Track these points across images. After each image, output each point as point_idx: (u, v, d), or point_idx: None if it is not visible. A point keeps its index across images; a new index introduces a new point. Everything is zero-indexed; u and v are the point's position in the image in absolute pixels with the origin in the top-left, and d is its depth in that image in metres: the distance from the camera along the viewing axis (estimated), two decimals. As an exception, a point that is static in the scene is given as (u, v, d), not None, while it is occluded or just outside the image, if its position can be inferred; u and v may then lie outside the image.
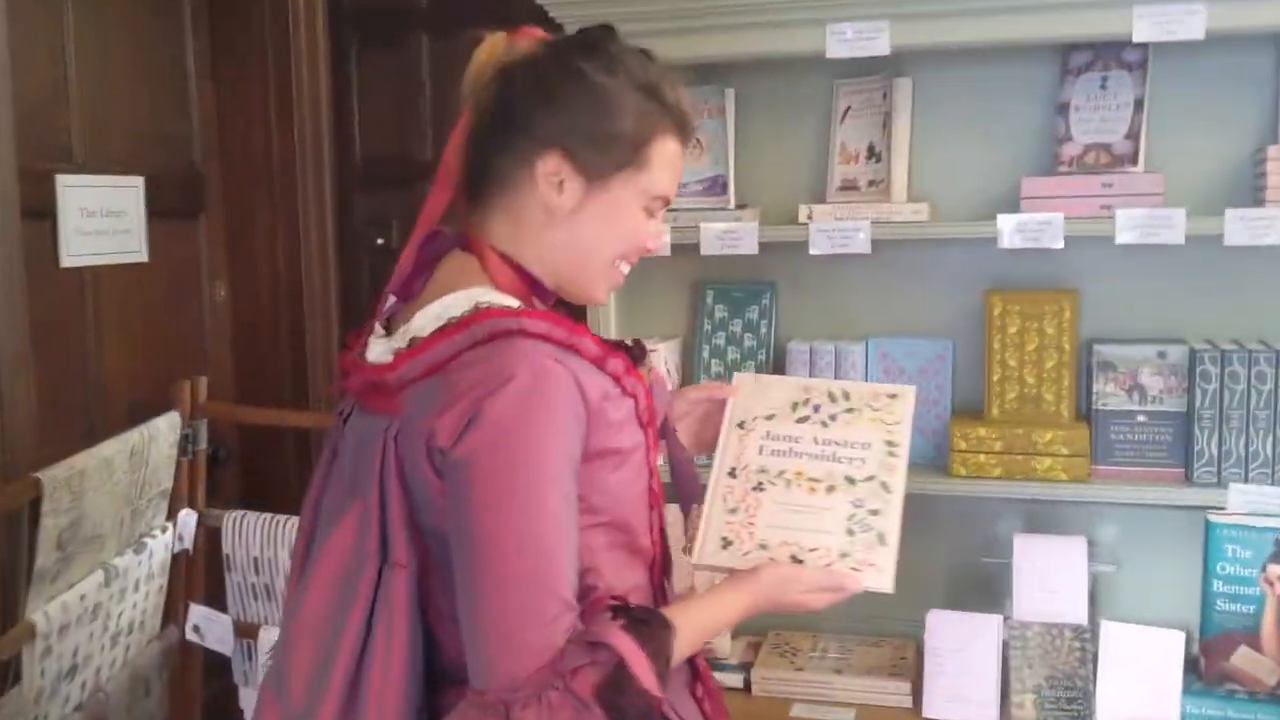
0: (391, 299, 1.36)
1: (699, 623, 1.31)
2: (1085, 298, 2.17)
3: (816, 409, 1.52)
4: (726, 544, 1.43)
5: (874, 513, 1.41)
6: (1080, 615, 2.06)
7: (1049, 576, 2.08)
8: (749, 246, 2.16)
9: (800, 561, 1.38)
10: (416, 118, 3.21)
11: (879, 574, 1.38)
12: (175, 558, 2.30)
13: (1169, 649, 1.98)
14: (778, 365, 2.28)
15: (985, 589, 2.19)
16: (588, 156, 1.29)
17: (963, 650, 2.05)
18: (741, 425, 1.53)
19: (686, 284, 2.39)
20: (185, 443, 2.31)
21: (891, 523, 1.41)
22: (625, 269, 1.38)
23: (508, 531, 1.16)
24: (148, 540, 2.17)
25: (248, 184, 3.24)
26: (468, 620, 1.17)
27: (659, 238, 1.39)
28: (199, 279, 3.15)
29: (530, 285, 1.33)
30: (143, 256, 2.86)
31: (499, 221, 1.33)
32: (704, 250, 2.16)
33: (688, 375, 2.36)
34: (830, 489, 1.44)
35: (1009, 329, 2.13)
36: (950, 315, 2.25)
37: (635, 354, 1.35)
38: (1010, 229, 2.02)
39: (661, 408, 1.36)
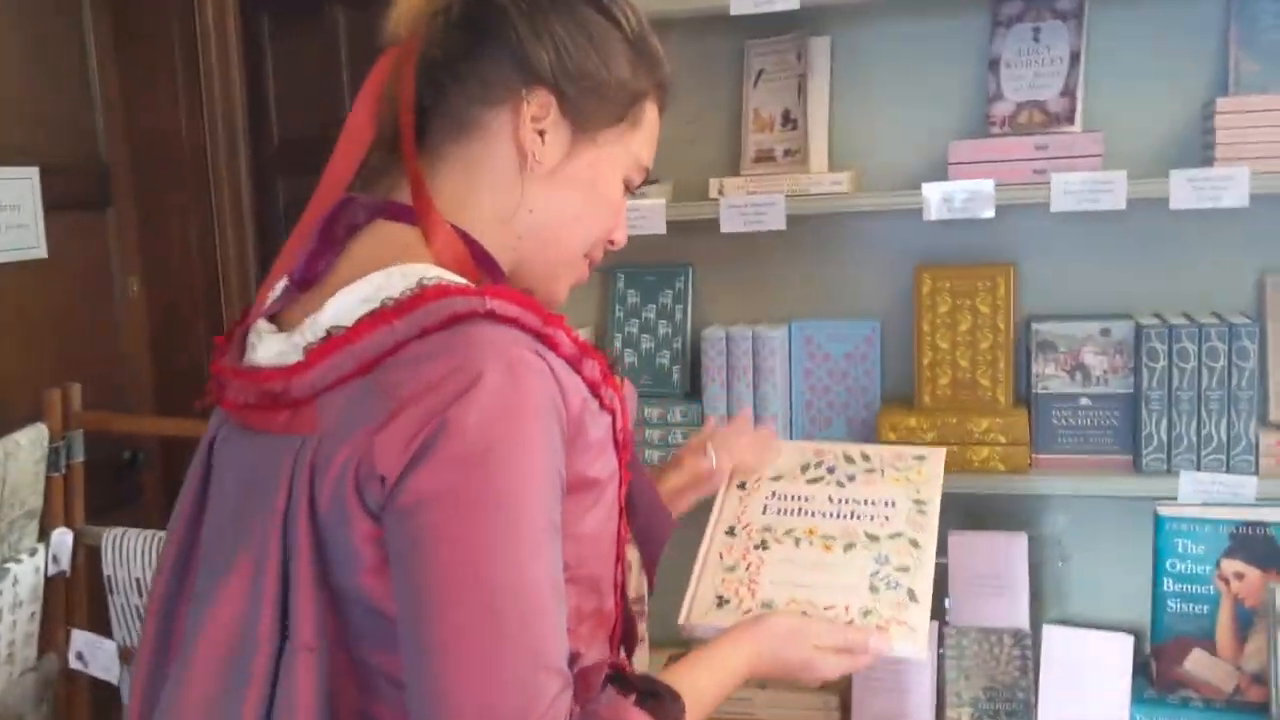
0: (280, 285, 1.08)
1: (701, 689, 1.08)
2: (1022, 272, 1.99)
3: (831, 470, 1.38)
4: (722, 602, 1.25)
5: (902, 569, 1.24)
6: (1021, 619, 1.89)
7: (987, 577, 1.90)
8: (655, 226, 1.97)
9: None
10: (336, 95, 3.03)
11: (911, 634, 1.20)
12: (52, 581, 2.13)
13: (1117, 654, 1.81)
14: (694, 354, 2.09)
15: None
16: (581, 101, 1.04)
17: (895, 658, 1.88)
18: (743, 486, 1.38)
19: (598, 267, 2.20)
20: (55, 456, 2.13)
21: (923, 581, 1.24)
22: (591, 262, 1.14)
23: (489, 588, 0.88)
24: (11, 565, 2.00)
25: (158, 172, 3.06)
26: (433, 713, 0.88)
27: (625, 229, 1.16)
28: (108, 275, 2.97)
29: (483, 266, 1.04)
30: (41, 253, 2.68)
31: (450, 179, 1.05)
32: (607, 231, 1.98)
33: (601, 366, 2.18)
34: (849, 546, 1.28)
35: (939, 308, 1.95)
36: (878, 294, 2.07)
37: (612, 359, 1.12)
38: (936, 199, 1.84)
39: (632, 428, 1.13)
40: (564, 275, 1.12)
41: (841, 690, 1.94)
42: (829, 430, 2.07)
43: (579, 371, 1.00)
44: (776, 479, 1.38)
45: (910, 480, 1.34)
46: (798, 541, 1.29)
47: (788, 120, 2.02)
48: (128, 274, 3.02)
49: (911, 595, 1.21)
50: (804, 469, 1.39)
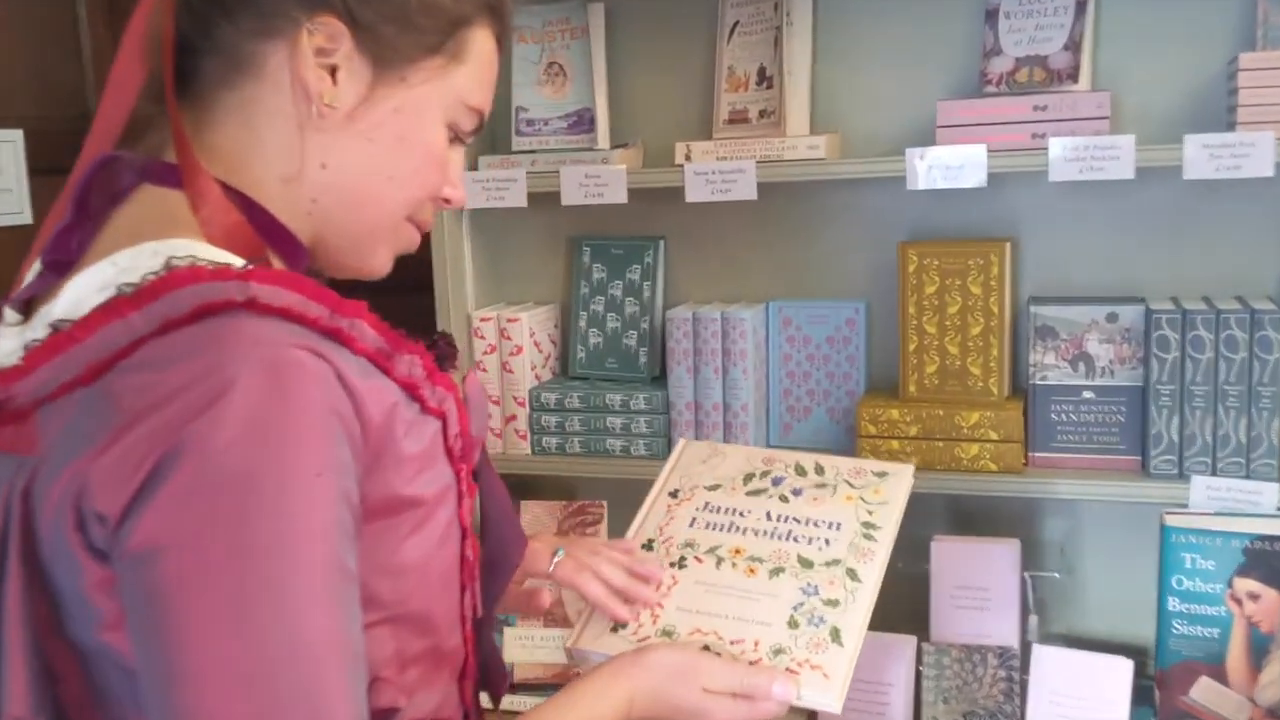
0: (38, 266, 0.88)
1: None
2: (1018, 249, 1.79)
3: (776, 482, 1.19)
4: (619, 626, 1.09)
5: (831, 604, 1.06)
6: (1009, 636, 1.69)
7: (972, 589, 1.71)
8: (616, 194, 1.79)
9: (714, 655, 1.03)
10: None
11: (824, 682, 1.02)
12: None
13: (1115, 679, 1.61)
14: (664, 335, 1.91)
15: (897, 604, 1.81)
16: (381, 29, 0.86)
17: (867, 679, 1.70)
18: (674, 494, 1.21)
19: (561, 238, 2.03)
20: None
21: (853, 620, 1.05)
22: (419, 225, 0.95)
23: (253, 653, 0.70)
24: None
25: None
26: None
27: (461, 184, 0.97)
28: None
29: (271, 238, 0.87)
30: (25, 218, 2.57)
31: (225, 132, 0.87)
32: (564, 199, 1.80)
33: (566, 350, 2.01)
34: (776, 572, 1.09)
35: (926, 288, 1.75)
36: (863, 272, 1.88)
37: (442, 351, 0.94)
38: (921, 166, 1.64)
39: (481, 432, 0.96)
40: (381, 244, 0.93)
41: (807, 711, 1.76)
42: (808, 421, 1.89)
43: (388, 371, 0.83)
44: (714, 488, 1.21)
45: (865, 500, 1.15)
46: (719, 562, 1.12)
47: (763, 78, 1.83)
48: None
49: (835, 635, 1.03)
50: (747, 479, 1.21)
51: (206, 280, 0.75)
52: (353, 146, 0.87)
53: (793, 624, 1.04)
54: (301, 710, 0.71)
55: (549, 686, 1.79)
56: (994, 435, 1.71)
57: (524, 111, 1.92)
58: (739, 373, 1.82)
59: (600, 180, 1.80)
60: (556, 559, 1.19)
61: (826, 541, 1.11)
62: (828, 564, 1.09)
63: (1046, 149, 1.58)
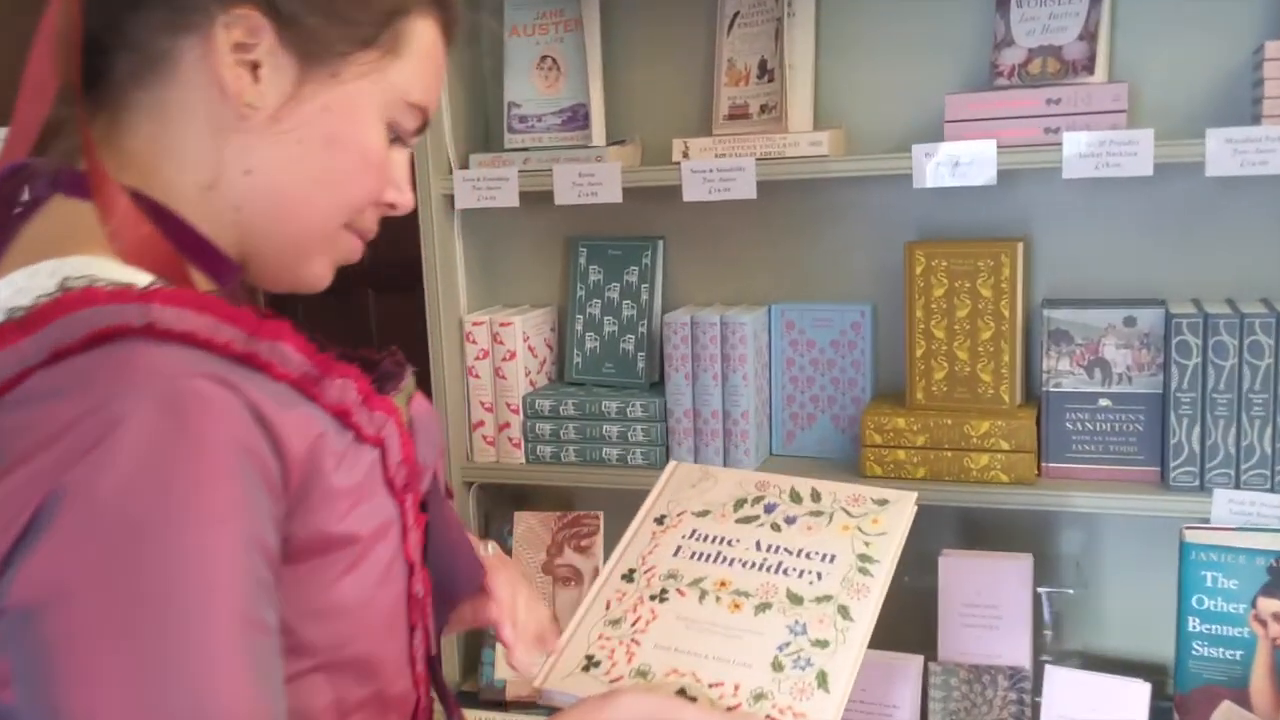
0: None
1: None
2: (1031, 249, 1.71)
3: (769, 509, 1.10)
4: (591, 664, 1.01)
5: (819, 644, 0.97)
6: (1021, 656, 1.61)
7: (982, 607, 1.63)
8: (611, 194, 1.72)
9: (690, 699, 0.95)
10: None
11: None
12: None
13: (1131, 703, 1.53)
14: (662, 340, 1.84)
15: (903, 621, 1.73)
16: (306, 21, 0.79)
17: (870, 701, 1.63)
18: (660, 520, 1.12)
19: (559, 239, 1.96)
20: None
21: (843, 664, 0.96)
22: (360, 233, 0.87)
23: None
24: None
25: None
26: None
27: (407, 186, 0.89)
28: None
29: (192, 251, 0.80)
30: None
31: (139, 136, 0.80)
32: (558, 199, 1.73)
33: (563, 355, 1.95)
34: (763, 608, 1.01)
35: (934, 291, 1.67)
36: (869, 274, 1.80)
37: (386, 371, 0.88)
38: (929, 163, 1.56)
39: (429, 459, 0.89)
40: (316, 254, 0.86)
41: (810, 730, 1.68)
42: (812, 429, 1.82)
43: (315, 398, 0.76)
44: (702, 514, 1.12)
45: (862, 530, 1.07)
46: (703, 595, 1.04)
47: (764, 71, 1.75)
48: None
49: (822, 680, 0.95)
50: (738, 505, 1.12)
51: (102, 303, 0.69)
52: (278, 150, 0.80)
53: (777, 666, 0.96)
54: None
55: (543, 708, 1.72)
56: (1005, 445, 1.63)
57: (516, 107, 1.86)
58: (739, 379, 1.74)
59: (594, 179, 1.73)
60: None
61: (819, 575, 1.03)
62: (818, 600, 1.01)
63: (1060, 144, 1.50)
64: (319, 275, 0.87)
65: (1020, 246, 1.65)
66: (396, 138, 0.86)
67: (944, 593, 1.65)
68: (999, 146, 1.54)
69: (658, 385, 1.85)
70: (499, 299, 1.98)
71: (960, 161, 1.55)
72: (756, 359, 1.77)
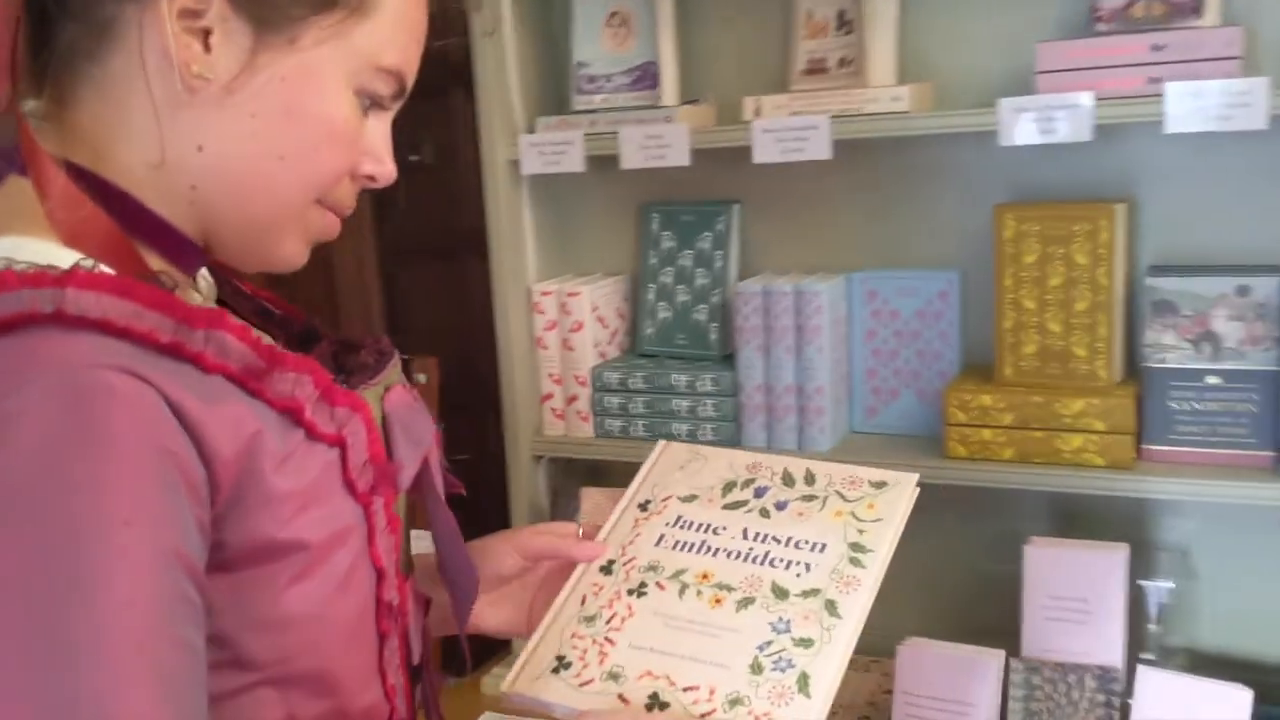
0: None
1: None
2: (1135, 211, 1.56)
3: (760, 493, 1.01)
4: (562, 665, 0.94)
5: (803, 644, 0.88)
6: (1111, 655, 1.48)
7: (1071, 600, 1.51)
8: (679, 156, 1.63)
9: (662, 707, 0.87)
10: None
11: None
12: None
13: (1230, 712, 1.39)
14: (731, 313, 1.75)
15: (985, 615, 1.63)
16: None
17: (944, 698, 1.52)
18: (644, 507, 1.04)
19: (632, 205, 1.88)
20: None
21: (827, 665, 0.87)
22: (335, 208, 0.81)
23: None
24: None
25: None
26: None
27: (388, 156, 0.82)
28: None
29: (146, 233, 0.75)
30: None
31: (87, 110, 0.75)
32: (624, 163, 1.65)
33: (635, 326, 1.87)
34: (745, 603, 0.92)
35: (1024, 258, 1.54)
36: (957, 238, 1.68)
37: (361, 363, 0.82)
38: (1016, 118, 1.44)
39: (409, 457, 0.82)
40: (285, 234, 0.79)
41: (884, 725, 1.59)
42: (896, 404, 1.71)
43: (257, 392, 0.70)
44: (689, 499, 1.03)
45: (857, 517, 0.97)
46: (684, 590, 0.95)
47: (843, 23, 1.64)
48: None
49: (803, 684, 0.85)
50: (727, 488, 1.03)
51: (14, 288, 0.64)
52: (233, 124, 0.74)
53: (756, 668, 0.87)
54: None
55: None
56: (1100, 426, 1.49)
57: (584, 67, 1.78)
58: (814, 352, 1.64)
59: (662, 141, 1.64)
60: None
61: (807, 567, 0.93)
62: (804, 594, 0.91)
63: (1165, 96, 1.36)
64: (290, 255, 0.81)
65: (1120, 209, 1.51)
66: (373, 104, 0.79)
67: (1029, 584, 1.52)
68: (1097, 99, 1.40)
69: (731, 358, 1.76)
70: (571, 267, 1.91)
71: (1053, 116, 1.42)
72: (834, 330, 1.66)
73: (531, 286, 1.81)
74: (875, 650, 1.56)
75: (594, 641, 0.94)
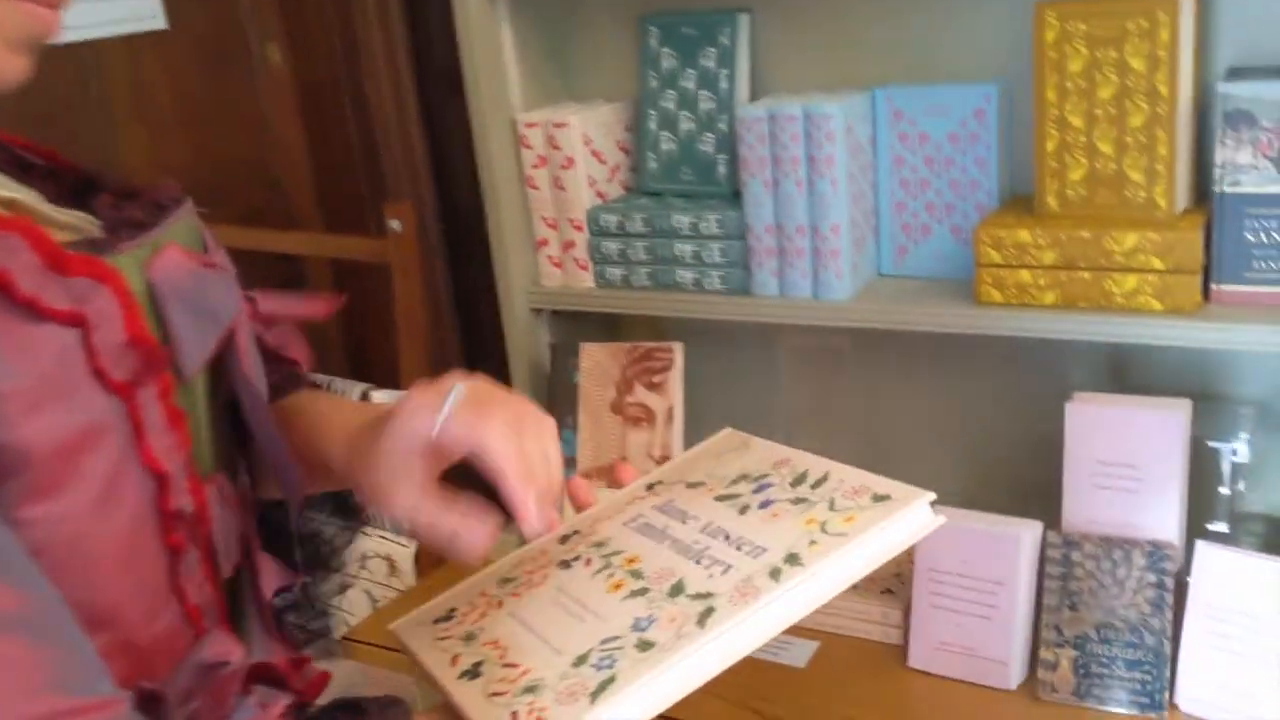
0: None
1: None
2: (1209, 3, 1.29)
3: (760, 489, 0.86)
4: (445, 618, 0.85)
5: (643, 647, 0.73)
6: (1166, 529, 1.29)
7: (1119, 466, 1.31)
8: (667, -41, 1.40)
9: (474, 678, 0.76)
10: None
11: None
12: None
13: (1305, 597, 1.20)
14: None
15: (1020, 482, 1.43)
16: None
17: (972, 575, 1.35)
18: (651, 487, 0.92)
19: (629, 18, 1.65)
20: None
21: (639, 675, 0.70)
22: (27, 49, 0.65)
23: None
24: None
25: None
26: None
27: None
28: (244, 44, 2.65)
29: None
30: (160, 23, 2.40)
31: None
32: (606, -29, 1.43)
33: (637, 157, 1.66)
34: (638, 593, 0.78)
35: (1069, 65, 1.29)
36: (995, 45, 1.42)
37: (124, 216, 0.69)
38: (1056, -108, 1.17)
39: (193, 334, 0.69)
40: None
41: (905, 603, 1.43)
42: (927, 243, 1.49)
43: None
44: (694, 486, 0.89)
45: (825, 528, 0.77)
46: (605, 567, 0.80)
47: None
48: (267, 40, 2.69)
49: (600, 689, 0.68)
50: (736, 481, 0.87)
51: None
52: None
53: (580, 660, 0.71)
54: None
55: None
56: (1159, 264, 1.26)
57: None
58: (827, 185, 1.43)
59: (649, -57, 1.41)
60: (449, 404, 0.76)
61: (725, 568, 0.75)
62: (695, 596, 0.74)
63: None
64: (8, 68, 0.64)
65: (1184, 2, 1.24)
66: None
67: (1071, 447, 1.33)
68: None
69: (740, 195, 1.55)
70: (567, 94, 1.71)
71: (1101, -113, 1.15)
72: (852, 159, 1.44)
73: (516, 117, 1.61)
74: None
75: (490, 602, 0.83)
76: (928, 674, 1.38)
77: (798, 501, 0.82)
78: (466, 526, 0.76)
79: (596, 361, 1.63)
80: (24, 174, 0.74)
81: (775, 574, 0.73)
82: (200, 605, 0.71)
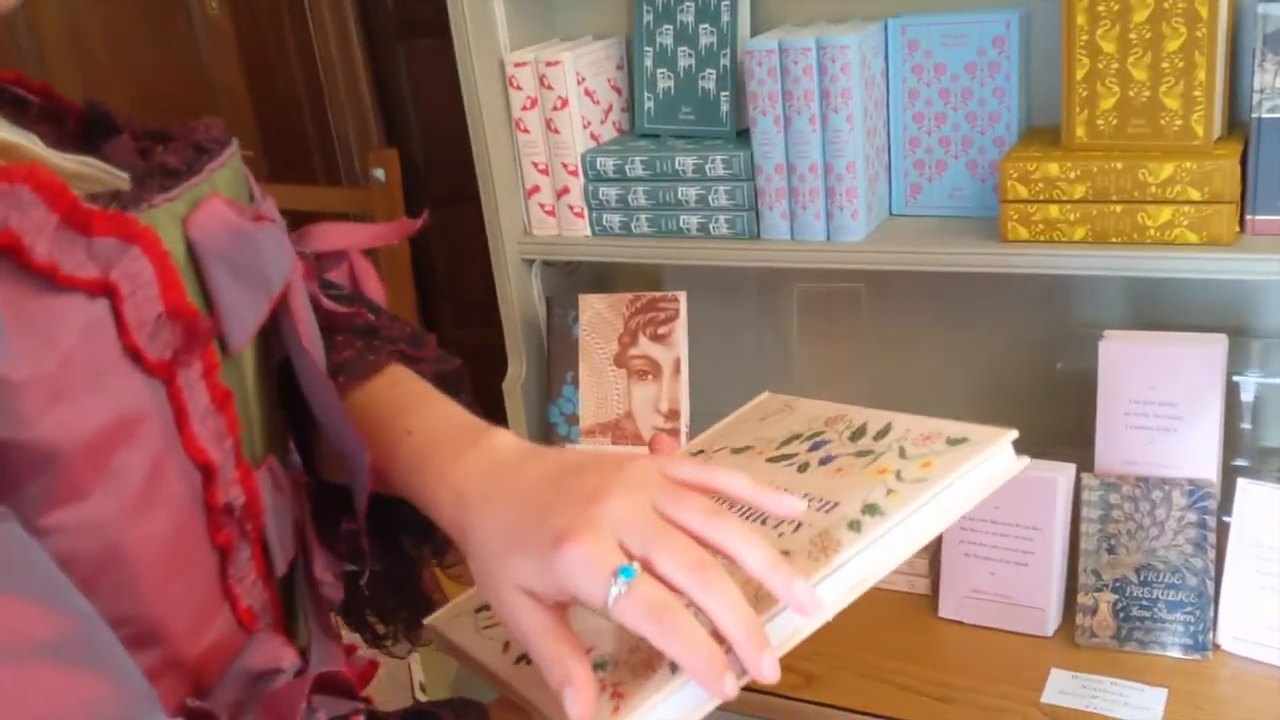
0: None
1: None
2: (1246, -81, 1.25)
3: (816, 446, 0.79)
4: (485, 606, 0.76)
5: None
6: (1206, 467, 1.26)
7: (1156, 404, 1.27)
8: (669, -117, 1.32)
9: (529, 662, 0.66)
10: None
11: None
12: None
13: (1354, 531, 1.18)
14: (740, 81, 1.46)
15: (1052, 423, 1.39)
16: None
17: (1005, 520, 1.31)
18: (694, 456, 0.85)
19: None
20: None
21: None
22: None
23: None
24: None
25: None
26: None
27: None
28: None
29: None
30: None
31: None
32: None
33: (633, 100, 1.58)
34: None
35: (1101, -12, 1.24)
36: (1016, -30, 1.37)
37: (156, 163, 0.58)
38: None
39: (254, 294, 0.60)
40: None
41: (932, 552, 1.39)
42: (943, 180, 1.44)
43: None
44: (741, 450, 0.82)
45: (900, 476, 0.71)
46: None
47: None
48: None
49: (641, 670, 0.63)
50: (787, 441, 0.80)
51: None
52: None
53: (637, 648, 0.66)
54: None
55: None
56: (1195, 194, 1.22)
57: None
58: (841, 121, 1.36)
59: None
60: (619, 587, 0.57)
61: (796, 526, 0.69)
62: None
63: None
64: None
65: (1227, -84, 1.19)
66: None
67: (1105, 386, 1.29)
68: None
69: (747, 134, 1.48)
70: (558, 31, 1.62)
71: None
72: (867, 94, 1.38)
73: (504, 57, 1.53)
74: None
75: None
76: (960, 623, 1.34)
77: (862, 454, 0.76)
78: (584, 682, 0.59)
79: (597, 313, 1.56)
80: (19, 115, 0.63)
81: (855, 525, 0.67)
82: (254, 608, 0.62)
